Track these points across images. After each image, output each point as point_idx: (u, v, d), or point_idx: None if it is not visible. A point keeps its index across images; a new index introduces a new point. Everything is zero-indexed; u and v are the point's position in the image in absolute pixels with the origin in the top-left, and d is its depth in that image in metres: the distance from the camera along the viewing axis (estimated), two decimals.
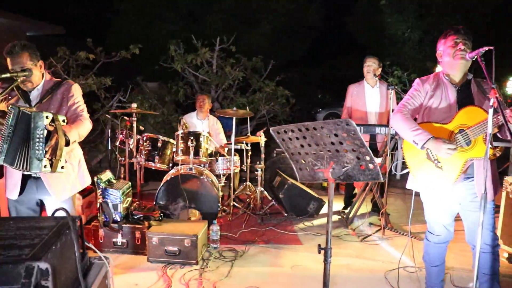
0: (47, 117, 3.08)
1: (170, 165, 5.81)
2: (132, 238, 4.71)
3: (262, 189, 6.07)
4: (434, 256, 3.59)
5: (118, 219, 4.71)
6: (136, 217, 4.84)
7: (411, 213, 3.81)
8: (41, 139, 3.05)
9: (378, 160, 5.28)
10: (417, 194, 3.55)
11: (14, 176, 3.36)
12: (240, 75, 9.43)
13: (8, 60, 3.23)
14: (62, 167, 3.15)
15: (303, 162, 2.94)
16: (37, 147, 3.03)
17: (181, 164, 5.68)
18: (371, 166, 2.66)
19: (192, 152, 5.40)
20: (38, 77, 3.36)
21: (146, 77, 10.59)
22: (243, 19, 15.15)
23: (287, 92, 10.12)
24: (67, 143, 3.18)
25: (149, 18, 15.39)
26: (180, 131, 5.65)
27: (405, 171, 3.79)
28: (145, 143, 5.65)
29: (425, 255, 3.66)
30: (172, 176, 5.35)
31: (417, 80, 3.46)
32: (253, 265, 4.55)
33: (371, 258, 4.77)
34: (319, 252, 2.76)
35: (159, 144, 5.67)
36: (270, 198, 6.12)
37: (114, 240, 4.72)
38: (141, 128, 6.02)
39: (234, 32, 9.61)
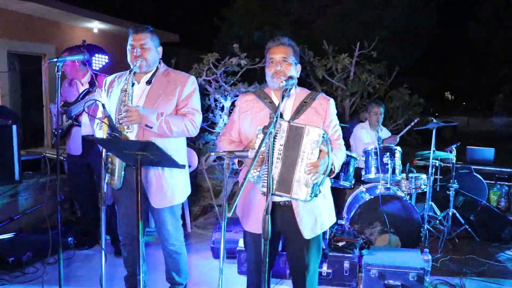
0: (323, 135, 2.53)
1: (353, 182, 5.21)
2: (340, 268, 4.14)
3: (454, 210, 5.35)
4: None
5: (324, 247, 4.16)
6: (340, 244, 4.28)
7: None
8: (310, 160, 2.50)
9: None
10: None
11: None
12: (378, 82, 8.75)
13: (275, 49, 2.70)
14: (311, 196, 2.54)
15: None
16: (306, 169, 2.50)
17: (373, 183, 5.07)
18: None
19: (390, 170, 4.78)
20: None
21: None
22: (359, 23, 14.47)
23: (422, 101, 9.34)
24: (331, 173, 2.61)
25: (258, 25, 15.04)
26: (371, 146, 5.04)
27: None
28: None
29: None
30: (371, 197, 4.74)
31: None
32: None
33: None
34: None
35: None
36: (462, 222, 5.38)
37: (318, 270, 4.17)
38: None
39: (353, 37, 8.95)
